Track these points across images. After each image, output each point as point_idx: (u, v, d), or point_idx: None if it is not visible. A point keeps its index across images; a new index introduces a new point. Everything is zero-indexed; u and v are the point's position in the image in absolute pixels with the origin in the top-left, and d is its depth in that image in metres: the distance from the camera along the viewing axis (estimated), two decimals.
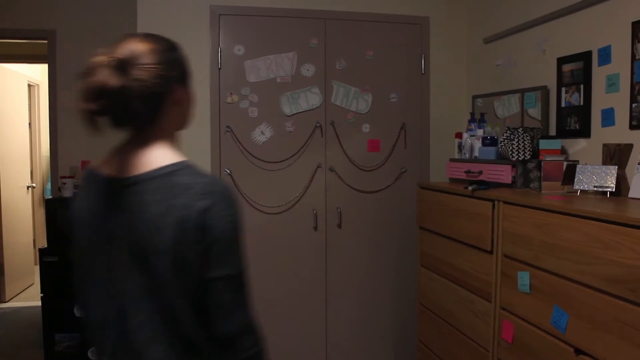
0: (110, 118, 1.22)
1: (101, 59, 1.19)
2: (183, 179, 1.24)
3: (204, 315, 1.24)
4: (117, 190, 1.25)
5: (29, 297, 5.73)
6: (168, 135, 1.36)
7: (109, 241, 1.25)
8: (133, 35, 1.28)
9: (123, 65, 1.19)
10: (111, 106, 1.18)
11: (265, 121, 3.60)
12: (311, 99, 3.64)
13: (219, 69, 3.53)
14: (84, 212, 1.31)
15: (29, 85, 6.48)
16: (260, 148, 3.61)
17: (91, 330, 1.33)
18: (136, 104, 1.20)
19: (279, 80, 3.61)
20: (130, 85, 1.18)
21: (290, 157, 3.63)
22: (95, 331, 1.32)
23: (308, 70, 3.64)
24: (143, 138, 1.29)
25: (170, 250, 1.18)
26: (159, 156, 1.29)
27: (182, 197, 1.20)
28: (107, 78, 1.16)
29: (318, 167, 3.66)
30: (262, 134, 3.61)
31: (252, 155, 3.59)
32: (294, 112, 3.63)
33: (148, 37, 1.29)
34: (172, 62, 1.31)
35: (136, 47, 1.23)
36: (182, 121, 1.42)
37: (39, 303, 3.64)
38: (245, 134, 3.59)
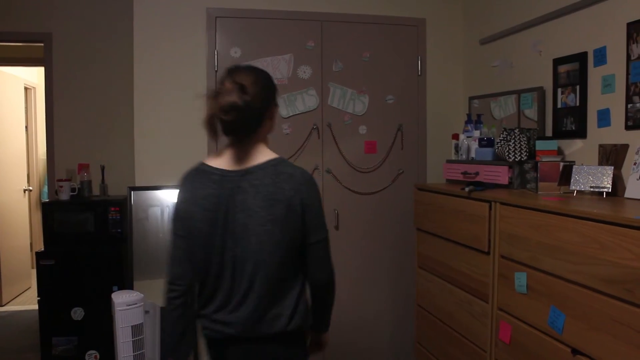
0: (231, 127, 1.72)
1: (229, 85, 1.70)
2: (285, 169, 1.78)
3: (305, 267, 1.84)
4: (235, 178, 1.76)
5: (25, 300, 5.71)
6: (263, 139, 1.85)
7: (228, 214, 1.74)
8: (240, 66, 1.79)
9: (244, 90, 1.69)
10: (237, 119, 1.69)
11: None
12: (308, 101, 3.64)
13: (216, 71, 3.53)
14: (199, 196, 1.77)
15: (26, 88, 6.46)
16: None
17: (204, 283, 1.81)
18: (250, 118, 1.72)
19: (275, 82, 3.60)
20: (248, 104, 1.69)
21: (288, 158, 3.62)
22: (208, 283, 1.79)
23: (305, 72, 3.64)
24: (248, 142, 1.80)
25: (282, 219, 1.72)
26: (262, 153, 1.82)
27: (288, 183, 1.75)
28: (237, 98, 1.67)
29: (315, 169, 3.66)
30: None
31: None
32: (291, 114, 3.63)
33: (252, 69, 1.81)
34: (270, 88, 1.84)
35: (247, 77, 1.73)
36: (271, 129, 1.89)
37: (36, 307, 3.62)
38: None
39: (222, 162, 1.81)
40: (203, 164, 1.83)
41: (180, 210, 1.81)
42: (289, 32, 3.62)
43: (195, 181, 1.81)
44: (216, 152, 2.08)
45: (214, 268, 1.77)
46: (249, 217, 1.72)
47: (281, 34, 3.61)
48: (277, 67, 3.61)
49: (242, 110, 1.68)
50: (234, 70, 1.75)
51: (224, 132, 1.74)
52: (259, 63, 3.57)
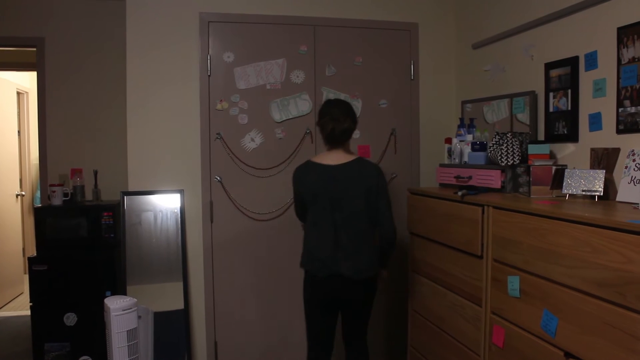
0: (340, 138, 2.79)
1: (342, 116, 2.76)
2: (365, 163, 2.83)
3: (377, 224, 2.83)
4: (334, 170, 2.77)
5: (18, 306, 5.68)
6: (348, 145, 2.87)
7: (329, 196, 2.75)
8: (341, 101, 2.90)
9: (353, 119, 2.81)
10: (347, 137, 2.81)
11: (255, 128, 3.61)
12: (301, 105, 3.64)
13: (209, 75, 3.53)
14: (312, 182, 2.79)
15: (18, 93, 6.44)
16: (250, 155, 3.62)
17: (317, 239, 2.79)
18: (349, 134, 2.81)
19: (268, 87, 3.62)
20: (352, 127, 2.81)
21: (281, 163, 3.64)
22: (320, 241, 2.77)
23: (298, 76, 3.65)
24: (341, 148, 2.83)
25: (363, 195, 2.76)
26: (349, 155, 2.84)
27: (367, 171, 2.80)
28: (350, 124, 2.79)
29: None
30: (252, 140, 3.61)
31: (242, 162, 3.59)
32: (284, 118, 3.64)
33: (348, 103, 2.88)
34: (354, 112, 2.86)
35: (348, 109, 2.82)
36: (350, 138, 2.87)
37: (29, 312, 3.60)
38: (235, 140, 3.59)
39: (326, 159, 2.81)
40: (310, 160, 2.86)
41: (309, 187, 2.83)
42: (281, 37, 3.63)
43: (306, 170, 2.84)
44: (316, 154, 3.05)
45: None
46: (341, 198, 2.75)
47: (274, 39, 3.62)
48: (270, 71, 3.61)
49: (350, 132, 2.81)
50: (339, 103, 2.84)
51: (334, 141, 2.79)
52: (252, 68, 3.58)
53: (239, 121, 3.59)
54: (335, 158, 2.79)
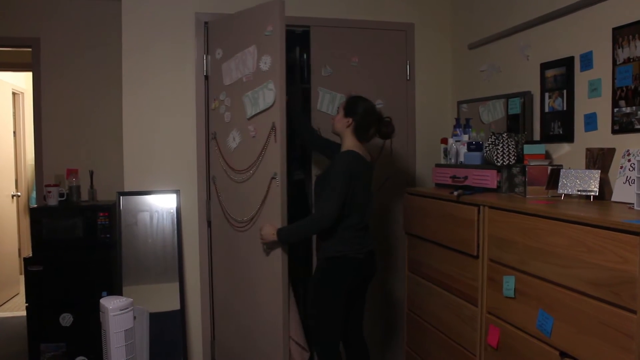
0: (388, 137, 3.00)
1: (387, 118, 2.98)
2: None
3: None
4: (369, 163, 2.91)
5: (14, 307, 5.66)
6: None
7: (368, 183, 2.91)
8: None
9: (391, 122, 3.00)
10: (391, 136, 3.00)
11: (236, 126, 3.31)
12: (267, 96, 3.45)
13: (205, 76, 3.52)
14: (365, 176, 2.86)
15: (14, 94, 6.42)
16: (232, 155, 3.35)
17: (362, 219, 2.88)
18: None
19: (244, 79, 3.25)
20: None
21: (250, 166, 3.45)
22: (364, 221, 2.89)
23: (265, 63, 3.43)
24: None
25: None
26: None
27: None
28: (393, 129, 3.01)
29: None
30: (233, 140, 3.33)
31: (226, 162, 3.38)
32: (253, 113, 3.51)
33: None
34: None
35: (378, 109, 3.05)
36: None
37: (24, 313, 3.59)
38: (223, 140, 3.41)
39: (364, 152, 2.91)
40: (356, 152, 2.86)
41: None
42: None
43: (358, 161, 2.84)
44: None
45: None
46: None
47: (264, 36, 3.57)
48: (244, 61, 3.48)
49: (393, 132, 3.01)
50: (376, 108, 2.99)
51: (379, 137, 2.99)
52: (233, 61, 3.53)
53: (225, 119, 3.39)
54: (364, 152, 2.91)
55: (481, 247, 2.52)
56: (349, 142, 2.90)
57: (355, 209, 2.83)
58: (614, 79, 2.43)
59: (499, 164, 2.79)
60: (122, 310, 2.85)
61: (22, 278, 4.45)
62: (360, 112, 2.88)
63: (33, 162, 4.53)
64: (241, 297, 3.39)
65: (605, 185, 2.41)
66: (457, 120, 3.48)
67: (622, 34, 2.37)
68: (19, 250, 6.42)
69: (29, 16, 4.18)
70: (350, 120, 2.88)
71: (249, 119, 3.20)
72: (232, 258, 3.44)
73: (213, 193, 3.54)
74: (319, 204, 2.90)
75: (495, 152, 2.80)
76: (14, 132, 6.45)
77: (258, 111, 3.14)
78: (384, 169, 3.76)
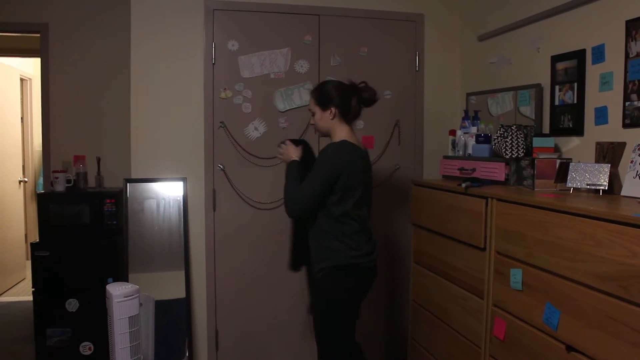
0: (365, 105, 2.75)
1: (356, 83, 2.74)
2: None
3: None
4: (365, 154, 2.74)
5: (20, 291, 5.70)
6: None
7: (366, 182, 2.72)
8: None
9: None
10: (375, 99, 2.75)
11: (259, 117, 3.60)
12: (305, 95, 3.63)
13: (213, 64, 3.51)
14: (360, 166, 2.64)
15: (22, 79, 6.43)
16: (254, 144, 3.61)
17: (359, 228, 2.66)
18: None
19: (272, 76, 3.60)
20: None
21: None
22: (365, 216, 2.71)
23: (302, 66, 3.63)
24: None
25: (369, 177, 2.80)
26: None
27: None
28: (374, 91, 2.74)
29: None
30: (255, 129, 3.60)
31: (245, 151, 3.58)
32: (288, 108, 3.63)
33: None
34: None
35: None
36: None
37: (31, 298, 3.61)
38: (238, 129, 3.58)
39: (355, 141, 2.69)
40: (350, 142, 2.66)
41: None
42: (286, 26, 3.61)
43: (355, 152, 2.65)
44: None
45: None
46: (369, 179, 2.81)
47: (279, 28, 3.60)
48: (275, 61, 3.60)
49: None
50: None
51: (364, 106, 2.74)
52: (257, 57, 3.56)
53: (243, 110, 3.57)
54: (357, 140, 2.71)
55: (488, 240, 2.51)
56: (340, 133, 2.68)
57: (353, 201, 2.61)
58: (626, 72, 2.40)
59: (507, 157, 2.78)
60: (127, 297, 2.86)
61: (28, 263, 4.47)
62: (334, 94, 2.65)
63: (40, 148, 4.54)
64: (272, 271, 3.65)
65: (614, 180, 2.40)
66: (466, 112, 3.46)
67: (635, 27, 2.35)
68: (26, 235, 6.46)
69: (37, 2, 4.17)
70: (333, 108, 2.65)
71: (282, 112, 3.63)
72: (257, 236, 3.69)
73: (222, 181, 3.56)
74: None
75: (504, 145, 2.78)
76: (22, 118, 6.46)
77: (294, 106, 3.64)
78: (392, 159, 3.76)
